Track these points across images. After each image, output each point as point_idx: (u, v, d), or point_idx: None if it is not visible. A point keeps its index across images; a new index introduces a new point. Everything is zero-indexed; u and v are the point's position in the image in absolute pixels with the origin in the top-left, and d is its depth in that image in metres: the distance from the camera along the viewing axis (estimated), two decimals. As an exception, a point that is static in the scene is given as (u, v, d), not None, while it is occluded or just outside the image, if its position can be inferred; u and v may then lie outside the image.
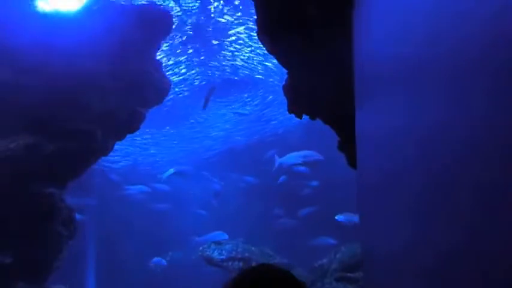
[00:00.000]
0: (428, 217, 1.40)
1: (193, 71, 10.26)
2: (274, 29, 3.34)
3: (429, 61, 1.40)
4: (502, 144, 0.90)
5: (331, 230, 10.38)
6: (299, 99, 3.59)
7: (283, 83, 3.77)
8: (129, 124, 7.10)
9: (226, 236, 10.13)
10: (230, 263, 8.83)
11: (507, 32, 0.90)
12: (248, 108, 12.15)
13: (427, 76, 1.41)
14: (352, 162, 3.23)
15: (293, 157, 9.98)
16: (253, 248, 9.36)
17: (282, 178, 11.95)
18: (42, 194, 6.22)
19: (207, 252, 9.25)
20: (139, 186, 12.54)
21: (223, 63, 10.08)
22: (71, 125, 6.29)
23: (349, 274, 7.66)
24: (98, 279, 11.40)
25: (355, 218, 10.09)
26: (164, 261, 11.59)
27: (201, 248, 9.45)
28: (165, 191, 12.65)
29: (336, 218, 9.80)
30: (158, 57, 7.79)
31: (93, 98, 6.23)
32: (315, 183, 12.07)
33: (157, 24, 6.62)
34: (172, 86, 7.72)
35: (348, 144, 3.28)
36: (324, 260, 8.22)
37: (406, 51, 1.70)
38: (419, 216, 1.52)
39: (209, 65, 10.16)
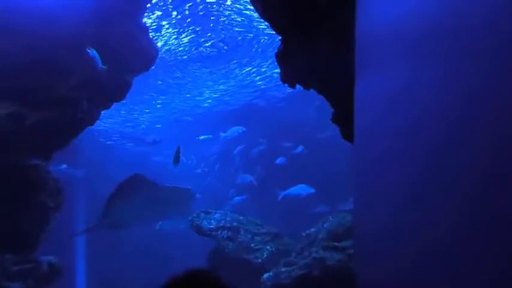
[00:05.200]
0: (427, 193, 1.35)
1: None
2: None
3: (432, 29, 1.35)
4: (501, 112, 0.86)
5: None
6: (292, 67, 3.44)
7: (276, 50, 3.61)
8: (115, 92, 6.87)
9: (311, 190, 10.08)
10: (219, 232, 8.91)
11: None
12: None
13: (431, 45, 1.35)
14: (347, 134, 3.16)
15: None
16: (241, 218, 9.44)
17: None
18: (26, 165, 6.05)
19: (197, 221, 9.30)
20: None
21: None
22: (54, 93, 6.04)
23: (335, 243, 7.79)
24: (88, 249, 11.45)
25: None
26: None
27: (190, 217, 9.48)
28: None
29: None
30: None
31: (77, 65, 5.95)
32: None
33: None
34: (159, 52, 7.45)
35: (343, 116, 3.20)
36: (312, 230, 8.32)
37: (410, 18, 1.64)
38: (416, 190, 1.48)
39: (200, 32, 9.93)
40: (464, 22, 1.07)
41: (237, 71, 12.01)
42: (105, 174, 12.47)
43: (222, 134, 12.41)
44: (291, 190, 10.43)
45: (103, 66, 5.79)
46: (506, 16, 0.85)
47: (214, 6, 9.11)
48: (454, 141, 1.11)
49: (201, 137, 13.01)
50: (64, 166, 10.48)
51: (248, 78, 12.30)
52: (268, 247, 8.65)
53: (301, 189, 10.27)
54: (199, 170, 14.54)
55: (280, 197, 10.64)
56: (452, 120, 1.13)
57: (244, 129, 11.91)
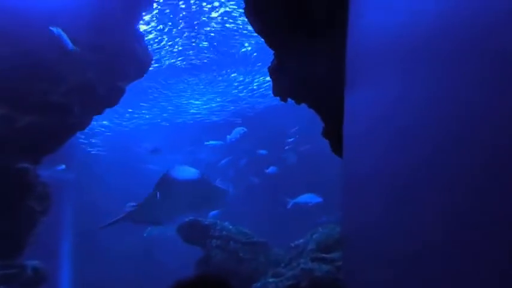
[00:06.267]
0: (421, 198, 1.35)
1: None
2: (263, 8, 3.22)
3: (424, 40, 1.36)
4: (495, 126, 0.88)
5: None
6: (285, 81, 3.49)
7: (269, 64, 3.66)
8: (108, 98, 6.87)
9: (319, 199, 10.14)
10: (208, 241, 8.87)
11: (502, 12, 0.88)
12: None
13: (423, 57, 1.37)
14: (336, 149, 3.20)
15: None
16: (231, 227, 9.41)
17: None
18: (16, 168, 6.00)
19: (186, 229, 9.24)
20: None
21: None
22: (46, 98, 6.01)
23: (324, 255, 7.79)
24: (75, 255, 11.33)
25: None
26: None
27: (178, 225, 9.42)
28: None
29: None
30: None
31: (70, 70, 5.95)
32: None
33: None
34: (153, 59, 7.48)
35: (333, 131, 3.25)
36: (301, 241, 8.32)
37: (401, 29, 1.65)
38: (403, 202, 1.49)
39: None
40: (457, 33, 1.09)
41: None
42: (97, 178, 12.41)
43: (228, 137, 12.30)
44: (299, 199, 10.39)
45: (75, 47, 5.54)
46: (498, 28, 0.88)
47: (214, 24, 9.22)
48: (447, 151, 1.12)
49: (210, 142, 12.81)
50: (63, 166, 10.35)
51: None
52: (256, 257, 8.63)
53: (309, 198, 10.25)
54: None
55: (289, 205, 10.59)
56: (444, 131, 1.14)
57: (245, 129, 11.90)
